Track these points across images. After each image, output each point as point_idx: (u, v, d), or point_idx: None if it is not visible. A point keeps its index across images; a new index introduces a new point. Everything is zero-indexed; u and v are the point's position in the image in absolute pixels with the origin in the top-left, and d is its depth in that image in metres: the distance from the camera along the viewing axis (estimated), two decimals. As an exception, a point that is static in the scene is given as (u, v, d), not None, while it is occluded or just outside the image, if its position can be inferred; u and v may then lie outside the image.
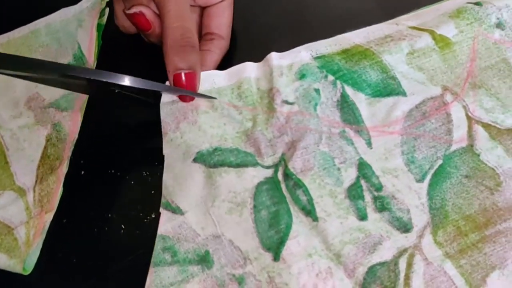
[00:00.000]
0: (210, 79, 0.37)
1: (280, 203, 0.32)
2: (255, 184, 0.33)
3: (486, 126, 0.36)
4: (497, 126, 0.36)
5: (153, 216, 0.32)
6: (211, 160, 0.34)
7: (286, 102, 0.36)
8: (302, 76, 0.37)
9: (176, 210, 0.32)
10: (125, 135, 0.35)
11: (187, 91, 0.33)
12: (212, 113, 0.36)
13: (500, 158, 0.35)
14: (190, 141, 0.34)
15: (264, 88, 0.37)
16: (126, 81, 0.30)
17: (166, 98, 0.35)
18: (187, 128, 0.35)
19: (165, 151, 0.34)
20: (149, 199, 0.32)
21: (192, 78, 0.33)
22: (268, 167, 0.34)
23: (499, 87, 0.38)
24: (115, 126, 0.35)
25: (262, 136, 0.35)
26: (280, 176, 0.34)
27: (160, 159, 0.34)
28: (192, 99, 0.34)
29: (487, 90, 0.38)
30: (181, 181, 0.33)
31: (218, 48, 0.39)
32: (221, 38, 0.39)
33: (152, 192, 0.33)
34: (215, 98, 0.35)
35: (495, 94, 0.37)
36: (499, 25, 0.40)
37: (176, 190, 0.33)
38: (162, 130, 0.35)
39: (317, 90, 0.37)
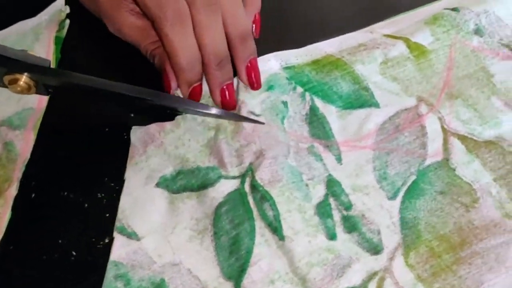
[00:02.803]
0: None
1: (241, 223, 0.30)
2: (214, 207, 0.31)
3: (462, 138, 0.34)
4: (474, 138, 0.34)
5: (106, 241, 0.30)
6: (174, 185, 0.32)
7: (253, 114, 0.34)
8: (270, 87, 0.35)
9: (131, 235, 0.31)
10: (80, 155, 0.33)
11: (245, 118, 0.32)
12: (177, 131, 0.34)
13: (477, 173, 0.33)
14: (155, 165, 0.33)
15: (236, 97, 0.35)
16: (214, 111, 0.31)
17: (136, 127, 0.34)
18: (153, 152, 0.33)
19: (127, 175, 0.32)
20: (103, 223, 0.30)
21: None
22: (234, 178, 0.32)
23: (477, 97, 0.36)
24: (70, 145, 0.33)
25: (226, 146, 0.33)
26: (247, 187, 0.32)
27: (117, 181, 0.32)
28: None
29: (464, 101, 0.36)
30: (141, 206, 0.31)
31: None
32: None
33: (107, 215, 0.31)
34: (262, 123, 0.32)
35: (473, 105, 0.36)
36: (478, 32, 0.38)
37: (134, 214, 0.31)
38: (130, 154, 0.33)
39: (284, 103, 0.35)
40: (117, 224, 0.31)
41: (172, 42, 0.29)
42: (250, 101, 0.35)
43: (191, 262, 0.30)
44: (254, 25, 0.34)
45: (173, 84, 0.32)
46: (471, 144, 0.34)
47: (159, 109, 0.32)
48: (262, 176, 0.32)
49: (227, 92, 0.32)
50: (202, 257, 0.30)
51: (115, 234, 0.30)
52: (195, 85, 0.32)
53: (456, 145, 0.34)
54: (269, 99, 0.35)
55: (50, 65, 0.29)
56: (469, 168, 0.33)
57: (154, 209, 0.31)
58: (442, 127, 0.35)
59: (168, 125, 0.34)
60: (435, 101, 0.36)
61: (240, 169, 0.32)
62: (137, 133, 0.34)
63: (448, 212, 0.32)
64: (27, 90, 0.29)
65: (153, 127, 0.34)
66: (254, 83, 0.34)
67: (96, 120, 0.35)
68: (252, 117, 0.34)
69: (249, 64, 0.33)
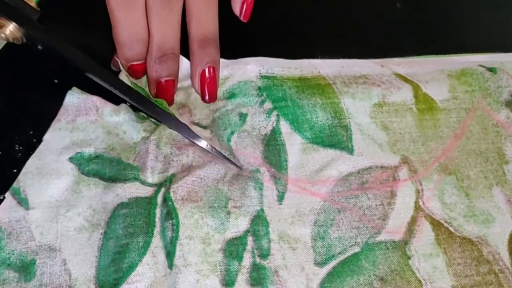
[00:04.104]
0: None
1: (135, 235, 0.26)
2: (115, 205, 0.27)
3: (436, 224, 0.28)
4: (451, 229, 0.28)
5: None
6: (87, 166, 0.28)
7: (198, 125, 0.30)
8: (231, 96, 0.30)
9: (22, 202, 0.27)
10: (14, 100, 0.30)
11: (224, 156, 0.29)
12: (116, 118, 0.30)
13: (436, 272, 0.26)
14: (77, 139, 0.29)
15: (179, 101, 0.31)
16: (202, 143, 0.29)
17: (76, 90, 0.30)
18: (82, 125, 0.29)
19: (46, 137, 0.29)
20: (4, 177, 0.28)
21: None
22: (150, 185, 0.28)
23: (477, 181, 0.29)
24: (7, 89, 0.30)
25: (155, 148, 0.28)
26: (159, 198, 0.28)
27: (40, 138, 0.29)
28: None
29: (458, 181, 0.29)
30: (45, 174, 0.28)
31: None
32: None
33: (14, 171, 0.28)
34: (240, 167, 0.29)
35: (467, 189, 0.29)
36: (510, 104, 0.31)
37: (34, 181, 0.28)
38: (57, 115, 0.30)
39: (243, 115, 0.30)
40: (14, 184, 0.28)
41: (115, 16, 0.28)
42: (200, 111, 0.30)
43: (70, 254, 0.26)
44: (242, 5, 0.29)
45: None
46: (444, 235, 0.27)
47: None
48: (177, 190, 0.27)
49: (165, 88, 0.29)
50: (83, 253, 0.26)
51: (7, 194, 0.27)
52: (134, 63, 0.29)
53: (425, 230, 0.28)
54: (224, 108, 0.30)
55: (39, 18, 0.29)
56: (429, 263, 0.27)
57: (56, 183, 0.28)
58: (416, 202, 0.28)
59: (110, 106, 0.30)
60: (422, 169, 0.29)
61: (161, 177, 0.28)
62: (74, 97, 0.30)
63: (379, 305, 0.26)
64: (14, 40, 0.29)
65: (93, 100, 0.30)
66: (205, 95, 0.29)
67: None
68: (196, 129, 0.29)
69: (206, 73, 0.29)
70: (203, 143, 0.28)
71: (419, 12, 0.37)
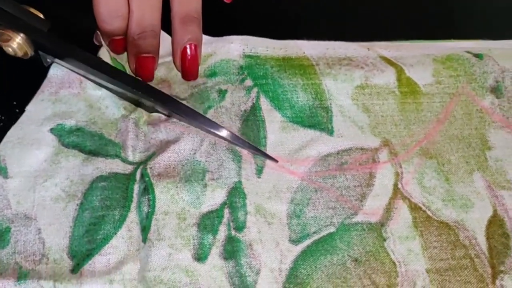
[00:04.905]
0: None
1: (111, 208, 0.26)
2: (93, 177, 0.27)
3: (413, 208, 0.27)
4: (428, 213, 0.27)
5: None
6: (67, 138, 0.28)
7: (176, 97, 0.29)
8: (212, 74, 0.30)
9: (1, 171, 0.27)
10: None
11: (256, 148, 0.28)
12: (99, 92, 0.30)
13: (411, 254, 0.26)
14: (59, 111, 0.29)
15: (159, 76, 0.30)
16: (224, 132, 0.28)
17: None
18: (65, 98, 0.29)
19: (29, 107, 0.29)
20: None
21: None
22: (131, 163, 0.28)
23: (457, 166, 0.29)
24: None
25: (134, 127, 0.28)
26: (138, 174, 0.28)
27: (22, 108, 0.29)
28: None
29: (439, 165, 0.29)
30: (25, 144, 0.28)
31: None
32: None
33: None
34: (276, 161, 0.28)
35: (447, 173, 0.28)
36: (495, 91, 0.31)
37: (15, 150, 0.28)
38: (41, 87, 0.30)
39: (222, 92, 0.30)
40: (-6, 152, 0.28)
41: None
42: (179, 86, 0.30)
43: (45, 223, 0.26)
44: None
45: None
46: (422, 218, 0.27)
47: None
48: (154, 166, 0.27)
49: (143, 64, 0.29)
50: (58, 223, 0.26)
51: (-13, 163, 0.28)
52: (115, 38, 0.29)
53: (402, 213, 0.27)
54: (204, 85, 0.30)
55: (49, 28, 0.28)
56: (404, 245, 0.26)
57: (36, 154, 0.28)
58: (395, 185, 0.28)
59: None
60: (403, 152, 0.29)
61: (142, 156, 0.28)
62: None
63: (351, 286, 0.25)
64: (22, 54, 0.28)
65: (76, 75, 0.30)
66: (187, 74, 0.29)
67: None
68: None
69: (187, 51, 0.28)
70: (224, 132, 0.28)
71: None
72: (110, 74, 0.28)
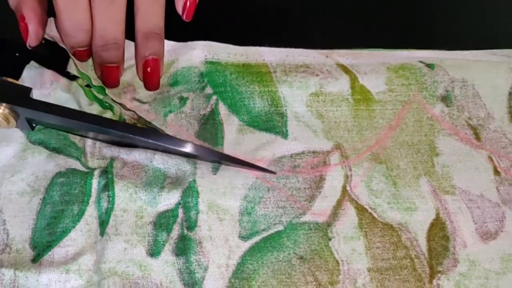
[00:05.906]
0: None
1: (70, 202, 0.28)
2: (54, 173, 0.29)
3: (360, 209, 0.29)
4: (374, 215, 0.29)
5: None
6: (34, 135, 0.30)
7: (138, 101, 0.31)
8: (174, 83, 0.32)
9: (-29, 166, 0.29)
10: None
11: (250, 164, 0.29)
12: (66, 94, 0.31)
13: (354, 254, 0.28)
14: None
15: (125, 80, 0.32)
16: (189, 147, 0.28)
17: (34, 64, 0.32)
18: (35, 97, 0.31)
19: None
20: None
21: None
22: (89, 168, 0.29)
23: (405, 171, 0.30)
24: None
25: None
26: (96, 171, 0.29)
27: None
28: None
29: (388, 170, 0.30)
30: None
31: None
32: None
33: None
34: (274, 172, 0.29)
35: (395, 178, 0.30)
36: (445, 100, 0.32)
37: (-15, 146, 0.30)
38: None
39: (183, 99, 0.31)
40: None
41: (58, 7, 0.28)
42: (143, 90, 0.31)
43: (10, 216, 0.28)
44: (184, 5, 0.30)
45: (31, 27, 0.29)
46: (367, 220, 0.29)
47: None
48: (117, 166, 0.29)
49: (107, 73, 0.29)
50: (22, 215, 0.28)
51: (-43, 160, 0.29)
52: (79, 49, 0.30)
53: (349, 214, 0.29)
54: (167, 92, 0.31)
55: (31, 94, 0.28)
56: (348, 245, 0.28)
57: (5, 149, 0.29)
58: (344, 187, 0.29)
59: (62, 82, 0.31)
60: (354, 156, 0.30)
61: (101, 162, 0.29)
62: (31, 71, 0.32)
63: (295, 282, 0.27)
64: (4, 123, 0.28)
65: (49, 74, 0.31)
66: (149, 85, 0.30)
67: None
68: (135, 104, 0.31)
69: (148, 64, 0.30)
70: (188, 148, 0.28)
71: (373, 5, 0.38)
72: (96, 124, 0.28)
